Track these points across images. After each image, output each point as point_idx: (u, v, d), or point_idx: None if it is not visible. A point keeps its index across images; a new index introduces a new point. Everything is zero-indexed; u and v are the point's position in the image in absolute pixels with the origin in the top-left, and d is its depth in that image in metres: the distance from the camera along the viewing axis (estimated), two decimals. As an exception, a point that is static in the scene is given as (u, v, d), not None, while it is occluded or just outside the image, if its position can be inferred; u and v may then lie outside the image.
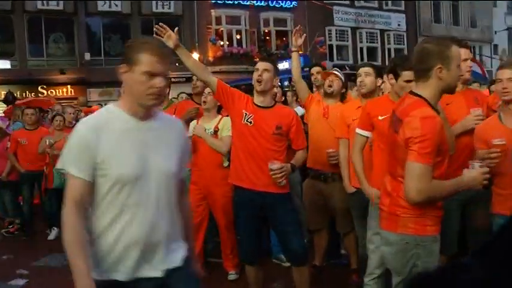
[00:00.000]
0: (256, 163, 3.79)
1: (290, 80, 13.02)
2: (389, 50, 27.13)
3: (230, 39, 23.34)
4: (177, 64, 18.41)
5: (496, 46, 32.58)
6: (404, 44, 27.45)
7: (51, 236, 7.13)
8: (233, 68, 21.32)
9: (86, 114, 6.88)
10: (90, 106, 7.57)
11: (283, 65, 20.11)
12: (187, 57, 3.80)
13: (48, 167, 7.01)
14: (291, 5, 24.43)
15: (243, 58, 22.75)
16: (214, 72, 22.07)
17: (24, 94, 18.70)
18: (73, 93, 21.06)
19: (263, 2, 23.85)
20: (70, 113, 7.77)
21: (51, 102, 10.85)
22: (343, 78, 4.79)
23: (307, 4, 24.10)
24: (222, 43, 22.91)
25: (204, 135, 4.84)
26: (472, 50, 28.78)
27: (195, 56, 21.74)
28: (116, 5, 21.34)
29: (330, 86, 4.72)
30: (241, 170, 3.86)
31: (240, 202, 3.95)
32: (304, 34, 4.78)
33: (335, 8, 25.33)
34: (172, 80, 21.24)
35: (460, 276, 0.98)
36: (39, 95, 19.36)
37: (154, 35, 3.66)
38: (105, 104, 7.32)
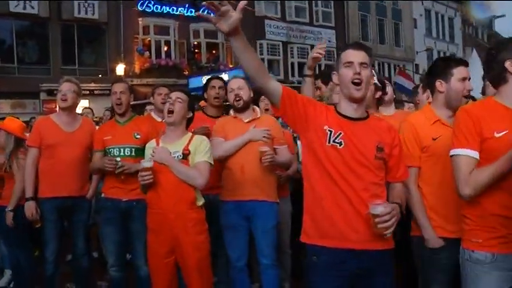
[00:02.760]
0: (353, 207, 2.47)
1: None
2: (319, 66, 26.72)
3: (158, 50, 22.03)
4: (100, 76, 17.05)
5: (417, 65, 33.60)
6: (334, 60, 27.24)
7: (2, 282, 5.53)
8: (161, 81, 19.86)
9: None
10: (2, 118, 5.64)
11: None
12: (243, 51, 2.38)
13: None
14: (222, 17, 23.38)
15: (171, 70, 21.71)
16: (140, 85, 20.97)
17: None
18: (-21, 105, 18.74)
19: (193, 12, 22.68)
20: None
21: None
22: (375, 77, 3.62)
23: (239, 16, 23.27)
24: (149, 54, 21.49)
25: (169, 161, 3.52)
26: (398, 67, 29.94)
27: (121, 67, 20.32)
28: (32, 7, 19.18)
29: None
30: (327, 220, 2.51)
31: (324, 268, 2.55)
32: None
33: (266, 21, 24.78)
34: (95, 92, 19.88)
35: None
36: None
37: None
38: (18, 118, 5.85)
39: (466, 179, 2.36)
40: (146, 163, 3.50)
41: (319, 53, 3.54)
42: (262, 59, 24.26)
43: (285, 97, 2.51)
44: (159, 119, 5.01)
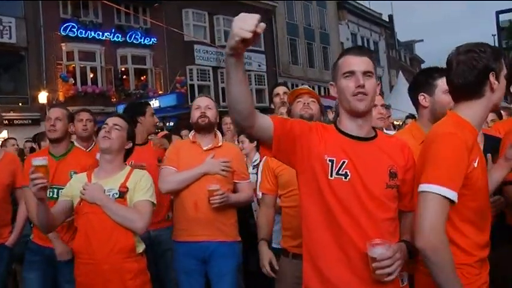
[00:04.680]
0: (360, 252, 1.99)
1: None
2: (250, 90, 26.65)
3: (84, 77, 21.01)
4: (20, 104, 15.86)
5: (345, 88, 34.28)
6: (265, 85, 27.27)
7: None
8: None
9: None
10: None
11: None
12: (242, 81, 1.86)
13: None
14: (150, 42, 22.98)
15: (98, 98, 20.81)
16: (66, 113, 20.23)
17: None
18: None
19: (120, 37, 22.03)
20: None
21: None
22: (319, 99, 3.43)
23: (168, 41, 22.84)
24: (74, 81, 20.50)
25: (102, 200, 2.94)
26: (327, 90, 30.42)
27: (43, 95, 19.23)
28: None
29: (307, 109, 3.28)
30: (332, 270, 2.05)
31: None
32: None
33: (196, 46, 24.41)
34: (15, 122, 18.63)
35: None
36: None
37: None
38: None
39: (436, 228, 1.86)
40: (38, 161, 2.72)
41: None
42: (192, 85, 23.98)
43: (278, 133, 2.02)
44: (83, 149, 4.49)
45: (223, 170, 3.48)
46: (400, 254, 1.93)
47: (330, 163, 2.05)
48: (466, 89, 2.07)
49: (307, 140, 2.08)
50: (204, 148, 3.59)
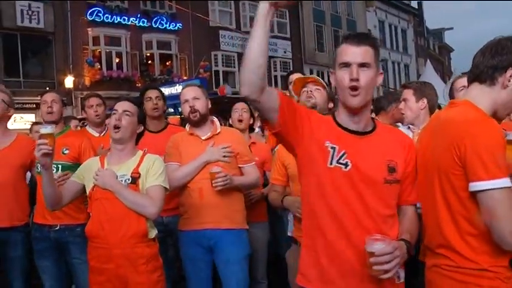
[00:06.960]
0: (355, 246, 1.95)
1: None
2: (275, 77, 26.65)
3: (109, 61, 21.17)
4: (47, 88, 15.95)
5: (372, 76, 33.82)
6: (289, 71, 27.03)
7: None
8: (112, 94, 19.16)
9: None
10: None
11: (170, 91, 18.58)
12: (265, 37, 1.81)
13: None
14: (176, 27, 22.95)
15: (123, 83, 20.92)
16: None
17: None
18: None
19: (146, 22, 22.06)
20: None
21: None
22: (326, 88, 3.32)
23: (193, 27, 22.79)
24: (100, 66, 20.64)
25: (114, 186, 2.91)
26: None
27: (69, 79, 19.41)
28: (-30, 16, 18.09)
29: (310, 98, 3.22)
30: (324, 259, 2.02)
31: None
32: None
33: (221, 32, 24.34)
34: (42, 106, 18.68)
35: None
36: None
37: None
38: None
39: None
40: (45, 129, 2.77)
41: None
42: (217, 71, 23.92)
43: (283, 103, 1.93)
44: (96, 134, 4.56)
45: (224, 156, 3.43)
46: (400, 252, 1.85)
47: (332, 150, 1.99)
48: (482, 68, 1.98)
49: (308, 121, 2.02)
50: (203, 138, 3.54)
